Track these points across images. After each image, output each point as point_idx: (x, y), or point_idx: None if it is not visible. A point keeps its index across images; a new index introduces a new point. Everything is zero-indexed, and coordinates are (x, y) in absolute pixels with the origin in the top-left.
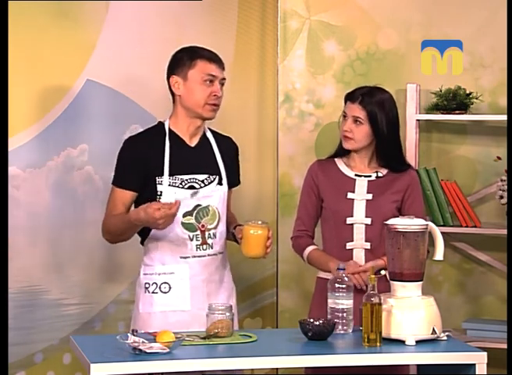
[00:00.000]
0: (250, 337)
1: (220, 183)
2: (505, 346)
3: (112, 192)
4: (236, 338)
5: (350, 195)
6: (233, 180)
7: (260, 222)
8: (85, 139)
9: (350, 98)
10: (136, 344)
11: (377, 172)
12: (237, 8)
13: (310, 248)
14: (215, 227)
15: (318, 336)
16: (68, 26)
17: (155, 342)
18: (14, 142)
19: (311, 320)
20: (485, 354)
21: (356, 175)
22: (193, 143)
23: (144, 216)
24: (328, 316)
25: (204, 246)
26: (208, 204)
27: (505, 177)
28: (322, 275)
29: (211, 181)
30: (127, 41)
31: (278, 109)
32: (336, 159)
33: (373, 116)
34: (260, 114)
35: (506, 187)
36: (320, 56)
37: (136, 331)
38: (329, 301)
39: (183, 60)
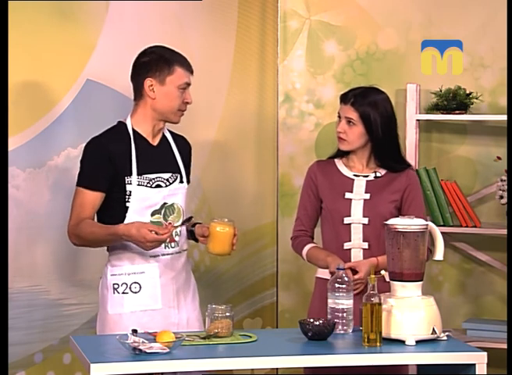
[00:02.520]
0: (250, 337)
1: (181, 181)
2: (505, 346)
3: (78, 194)
4: (236, 338)
5: (347, 195)
6: (188, 179)
7: (226, 219)
8: (85, 139)
9: (342, 99)
10: (136, 344)
11: (375, 172)
12: (237, 8)
13: (308, 246)
14: (181, 225)
15: (318, 336)
16: (68, 26)
17: (155, 342)
18: (14, 142)
19: (311, 320)
20: (485, 354)
21: (354, 175)
22: (155, 142)
23: (135, 233)
24: (328, 316)
25: (172, 244)
26: (173, 202)
27: (505, 177)
28: (321, 275)
29: (175, 179)
30: (127, 41)
31: (278, 109)
32: (335, 160)
33: (366, 117)
34: (260, 114)
35: (506, 187)
36: (320, 56)
37: (136, 331)
38: (329, 301)
39: (159, 64)
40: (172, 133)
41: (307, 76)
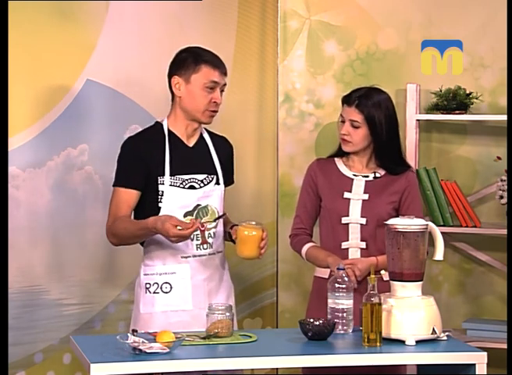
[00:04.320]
0: (250, 337)
1: (218, 182)
2: (505, 346)
3: (114, 194)
4: (236, 338)
5: (346, 195)
6: (228, 179)
7: (254, 222)
8: (85, 139)
9: (346, 101)
10: (136, 344)
11: (375, 172)
12: (237, 8)
13: (308, 245)
14: (215, 226)
15: (318, 336)
16: (68, 26)
17: (155, 342)
18: (14, 142)
19: (311, 320)
20: (485, 354)
21: (354, 175)
22: (191, 143)
23: (160, 226)
24: (328, 316)
25: (205, 245)
26: (207, 203)
27: (505, 177)
28: (319, 274)
29: (210, 181)
30: (127, 41)
31: (278, 109)
32: (335, 159)
33: (370, 119)
34: (260, 114)
35: (506, 187)
36: (320, 56)
37: (136, 331)
38: (329, 301)
39: (187, 62)
40: (211, 133)
41: (307, 76)
